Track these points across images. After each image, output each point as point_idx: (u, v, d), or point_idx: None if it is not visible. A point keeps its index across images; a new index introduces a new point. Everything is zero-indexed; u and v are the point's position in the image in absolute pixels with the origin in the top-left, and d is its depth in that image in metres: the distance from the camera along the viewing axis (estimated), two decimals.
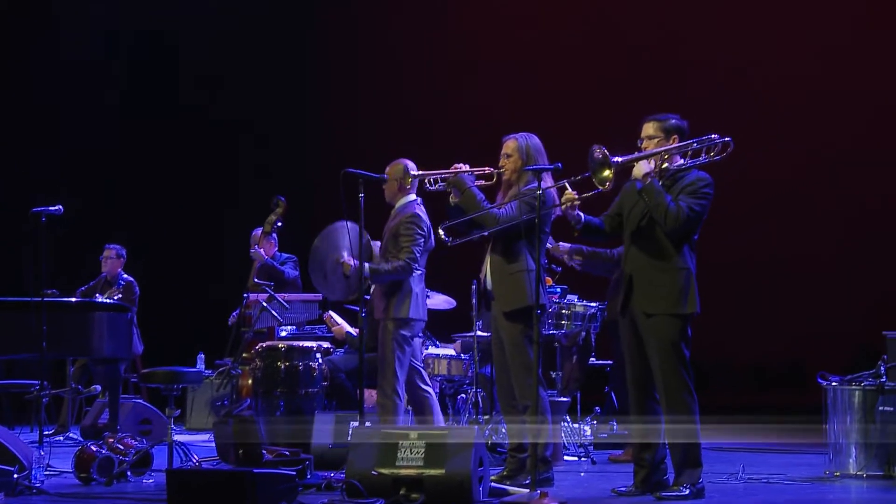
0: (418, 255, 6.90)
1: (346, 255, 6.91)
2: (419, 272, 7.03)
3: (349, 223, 6.86)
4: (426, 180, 6.83)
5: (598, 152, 5.63)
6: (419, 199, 6.93)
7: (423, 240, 6.89)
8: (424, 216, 6.93)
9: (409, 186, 6.94)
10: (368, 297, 7.80)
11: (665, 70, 10.93)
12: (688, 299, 5.79)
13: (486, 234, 6.41)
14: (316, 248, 7.08)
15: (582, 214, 5.96)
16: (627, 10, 11.37)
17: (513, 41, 11.83)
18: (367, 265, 6.83)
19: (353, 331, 8.23)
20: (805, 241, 10.50)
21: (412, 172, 6.73)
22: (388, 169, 6.93)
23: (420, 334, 7.12)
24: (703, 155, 5.89)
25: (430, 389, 7.20)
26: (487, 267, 6.52)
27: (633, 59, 11.24)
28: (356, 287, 6.88)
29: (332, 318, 8.52)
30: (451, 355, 8.60)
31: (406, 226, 6.90)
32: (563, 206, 5.89)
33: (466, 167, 6.53)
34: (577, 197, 5.85)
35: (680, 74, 10.86)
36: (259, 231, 9.10)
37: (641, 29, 11.29)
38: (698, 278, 5.88)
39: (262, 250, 9.08)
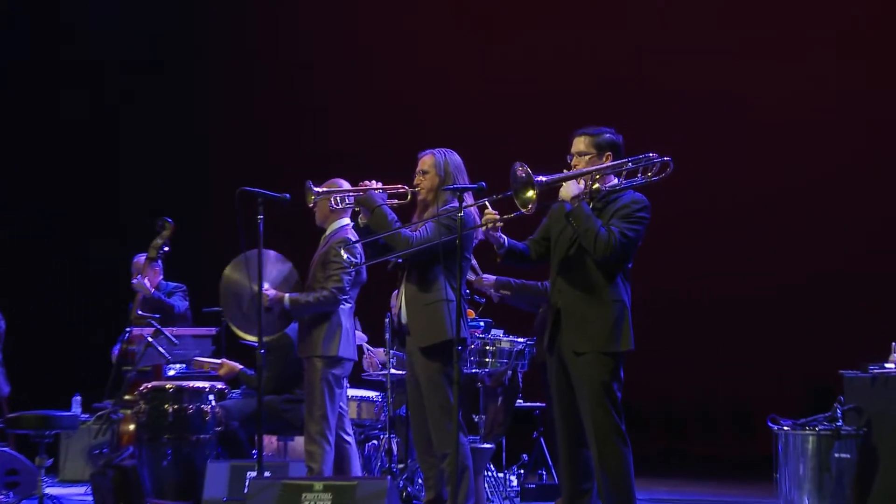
0: (347, 286, 7.03)
1: (266, 287, 6.94)
2: (349, 306, 7.15)
3: (271, 252, 6.97)
4: (332, 199, 6.91)
5: (521, 170, 5.63)
6: (353, 224, 6.95)
7: (353, 269, 6.98)
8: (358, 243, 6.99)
9: (341, 208, 7.02)
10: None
11: (609, 85, 11.04)
12: (621, 336, 5.80)
13: (396, 258, 6.47)
14: (228, 279, 7.10)
15: (505, 238, 5.98)
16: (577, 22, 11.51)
17: (436, 48, 11.96)
18: (287, 296, 6.98)
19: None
20: (750, 274, 10.63)
21: (314, 189, 6.76)
22: (322, 188, 6.96)
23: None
24: (639, 175, 5.92)
25: (351, 439, 7.30)
26: (402, 297, 6.54)
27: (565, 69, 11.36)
28: (284, 320, 6.98)
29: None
30: (360, 396, 8.59)
31: (335, 251, 7.00)
32: (484, 228, 5.90)
33: (377, 184, 6.58)
34: (498, 218, 5.86)
35: (625, 88, 10.98)
36: (142, 258, 9.05)
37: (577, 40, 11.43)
38: (633, 312, 5.88)
39: (146, 280, 9.01)
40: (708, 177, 10.30)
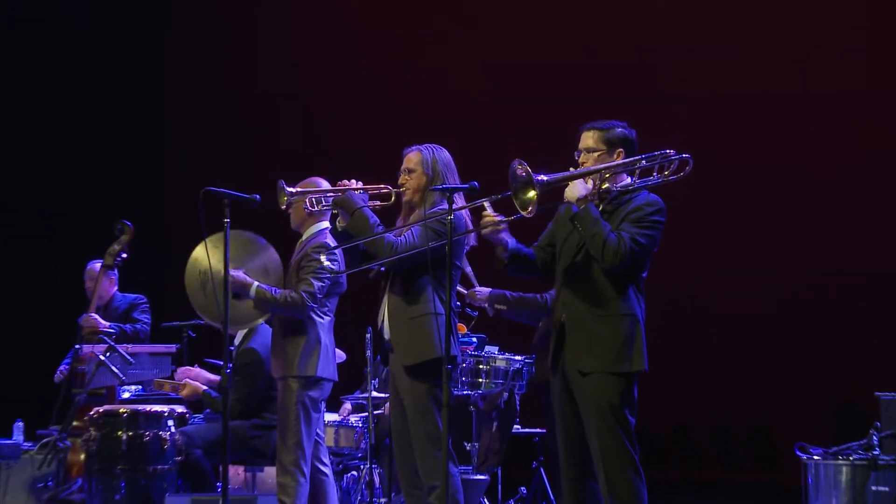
0: (319, 291, 7.06)
1: (239, 270, 7.01)
2: (328, 319, 7.19)
3: (262, 239, 7.10)
4: (307, 200, 6.90)
5: (520, 169, 5.61)
6: (331, 228, 6.94)
7: (327, 275, 7.04)
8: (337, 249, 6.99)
9: (319, 210, 7.02)
10: (235, 347, 7.94)
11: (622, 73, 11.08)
12: (633, 354, 5.76)
13: (379, 266, 6.44)
14: (198, 257, 7.08)
15: (510, 240, 5.97)
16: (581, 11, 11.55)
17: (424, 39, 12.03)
18: (255, 285, 7.02)
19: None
20: (769, 285, 10.56)
21: (287, 190, 6.75)
22: (296, 189, 6.98)
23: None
24: (655, 174, 5.90)
25: (328, 470, 7.31)
26: (385, 310, 6.50)
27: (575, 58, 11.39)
28: (256, 312, 7.07)
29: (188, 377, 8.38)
30: (338, 422, 8.60)
31: (312, 258, 7.06)
32: (484, 231, 5.90)
33: (357, 184, 6.56)
34: (498, 220, 5.86)
35: (637, 77, 10.97)
36: (97, 265, 9.04)
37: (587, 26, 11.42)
38: (647, 327, 5.84)
39: (96, 316, 8.83)
40: (721, 179, 10.20)
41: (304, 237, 7.35)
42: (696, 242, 10.21)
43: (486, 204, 5.93)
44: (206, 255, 6.85)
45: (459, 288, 7.51)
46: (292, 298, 6.99)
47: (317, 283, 7.05)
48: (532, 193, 5.60)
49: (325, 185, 7.07)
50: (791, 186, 10.55)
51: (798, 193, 10.52)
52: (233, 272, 6.88)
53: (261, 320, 7.55)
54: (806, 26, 10.65)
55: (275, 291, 7.03)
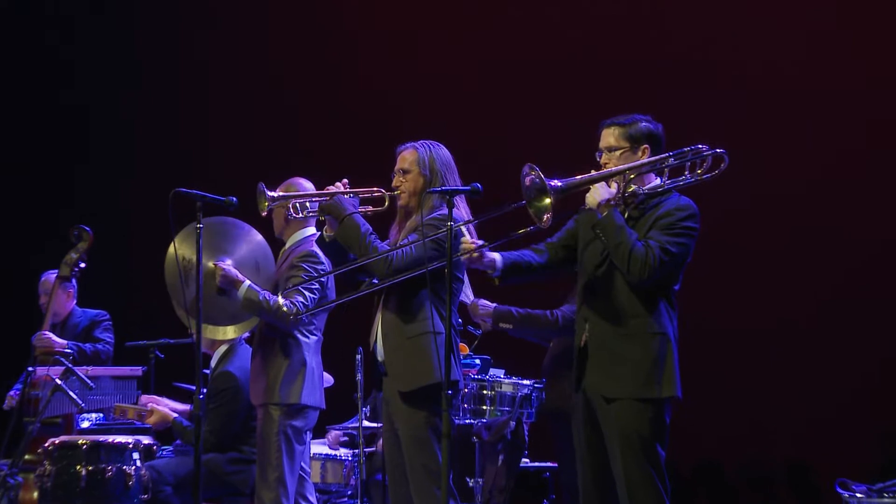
0: (311, 302, 7.05)
1: (227, 261, 7.08)
2: (314, 338, 7.21)
3: (256, 234, 7.21)
4: (289, 205, 6.91)
5: (532, 174, 5.64)
6: (318, 236, 6.96)
7: (318, 287, 7.08)
8: (324, 257, 7.08)
9: (303, 216, 7.03)
10: (210, 370, 7.97)
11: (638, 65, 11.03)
12: (663, 377, 5.75)
13: (369, 279, 6.47)
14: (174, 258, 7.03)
15: (496, 256, 6.00)
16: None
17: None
18: (247, 284, 7.03)
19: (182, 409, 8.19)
20: (810, 300, 10.49)
21: (268, 194, 6.74)
22: (277, 192, 6.97)
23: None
24: (686, 173, 5.90)
25: None
26: (378, 328, 6.49)
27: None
28: (240, 313, 7.08)
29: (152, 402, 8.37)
30: (325, 454, 8.62)
31: (298, 266, 7.12)
32: (464, 257, 5.96)
33: (347, 187, 6.58)
34: (476, 247, 5.90)
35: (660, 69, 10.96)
36: (52, 276, 9.01)
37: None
38: (680, 348, 5.84)
39: (49, 335, 8.82)
40: (756, 177, 10.13)
41: (287, 245, 7.36)
42: (722, 249, 10.14)
43: (463, 229, 6.04)
44: (181, 253, 6.90)
45: (462, 298, 7.53)
46: (286, 309, 6.96)
47: (308, 294, 7.05)
48: (547, 201, 5.62)
49: (309, 187, 7.11)
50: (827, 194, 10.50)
51: (834, 200, 10.45)
52: (223, 265, 6.99)
53: (244, 331, 7.55)
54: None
55: (267, 296, 7.01)
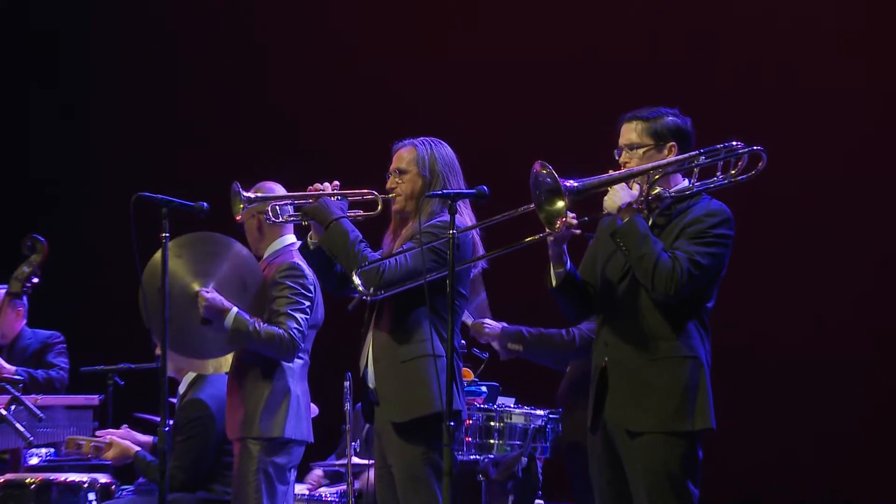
0: (305, 325, 7.07)
1: (210, 286, 7.00)
2: (300, 363, 7.20)
3: (241, 247, 7.12)
4: (268, 209, 6.85)
5: (543, 173, 5.63)
6: (299, 244, 6.95)
7: (308, 304, 7.08)
8: (307, 268, 7.05)
9: (282, 222, 7.01)
10: (178, 398, 7.96)
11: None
12: (695, 408, 5.74)
13: (362, 295, 6.40)
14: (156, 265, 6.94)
15: (567, 257, 5.91)
16: None
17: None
18: (234, 311, 6.95)
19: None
20: (842, 319, 10.60)
21: (244, 195, 6.71)
22: (254, 194, 6.96)
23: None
24: (718, 174, 5.89)
25: None
26: (369, 351, 6.50)
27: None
28: (227, 344, 7.01)
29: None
30: (305, 495, 8.64)
31: (280, 283, 7.11)
32: (554, 234, 5.76)
33: (335, 188, 6.54)
34: (576, 223, 5.76)
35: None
36: (0, 291, 9.06)
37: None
38: (713, 372, 5.84)
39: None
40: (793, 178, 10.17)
41: (263, 257, 7.33)
42: (758, 260, 10.14)
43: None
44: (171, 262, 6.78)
45: (465, 319, 7.50)
46: (280, 337, 6.95)
47: (300, 317, 7.05)
48: (560, 204, 5.61)
49: (283, 192, 7.09)
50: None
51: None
52: (206, 293, 6.93)
53: (224, 367, 7.53)
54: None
55: (258, 325, 6.98)
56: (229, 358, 7.39)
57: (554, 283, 5.93)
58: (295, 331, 6.97)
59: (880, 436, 10.33)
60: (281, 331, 6.95)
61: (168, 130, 12.31)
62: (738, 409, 9.60)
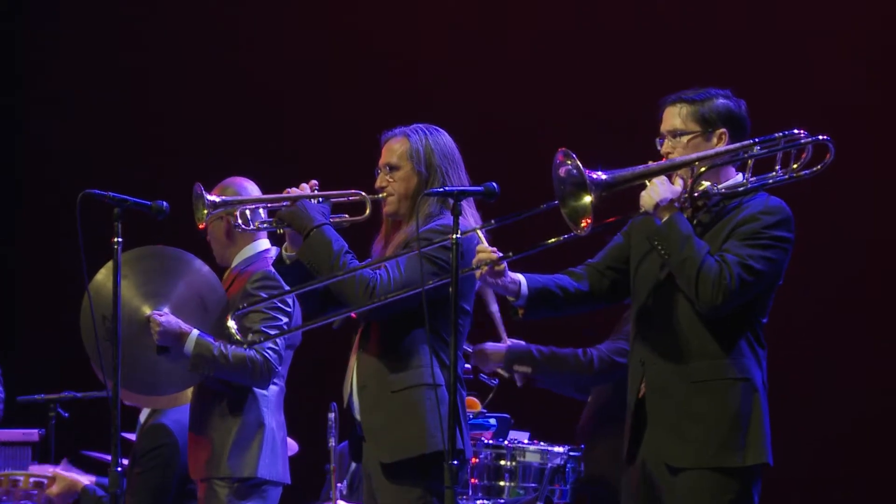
0: (281, 347, 7.04)
1: (164, 310, 6.96)
2: (275, 389, 7.20)
3: (197, 262, 7.13)
4: (236, 213, 6.76)
5: (569, 164, 5.59)
6: (275, 251, 6.93)
7: (285, 321, 7.05)
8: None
9: (254, 228, 6.90)
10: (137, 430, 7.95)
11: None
12: (747, 439, 5.67)
13: (346, 313, 6.40)
14: (103, 287, 6.88)
15: (521, 279, 5.91)
16: None
17: None
18: (195, 334, 6.91)
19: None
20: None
21: (207, 198, 6.57)
22: (219, 197, 6.90)
23: None
24: (777, 168, 5.85)
25: None
26: (354, 378, 6.46)
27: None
28: (193, 373, 6.96)
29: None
30: None
31: (253, 296, 7.06)
32: (478, 274, 5.85)
33: (311, 189, 6.47)
34: (498, 258, 5.79)
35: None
36: None
37: None
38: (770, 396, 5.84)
39: None
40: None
41: (232, 266, 7.28)
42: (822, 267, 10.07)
43: (480, 234, 5.95)
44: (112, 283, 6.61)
45: (466, 347, 7.41)
46: (252, 361, 6.87)
47: (280, 339, 7.03)
48: (587, 199, 5.56)
49: (254, 191, 7.11)
50: None
51: None
52: (159, 316, 6.86)
53: (182, 400, 7.53)
54: None
55: (224, 347, 6.92)
56: (188, 391, 7.36)
57: (520, 314, 5.94)
58: (269, 352, 6.91)
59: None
60: (252, 352, 6.89)
61: (119, 122, 12.24)
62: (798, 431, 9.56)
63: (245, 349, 6.91)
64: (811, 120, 5.80)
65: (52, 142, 12.50)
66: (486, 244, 5.85)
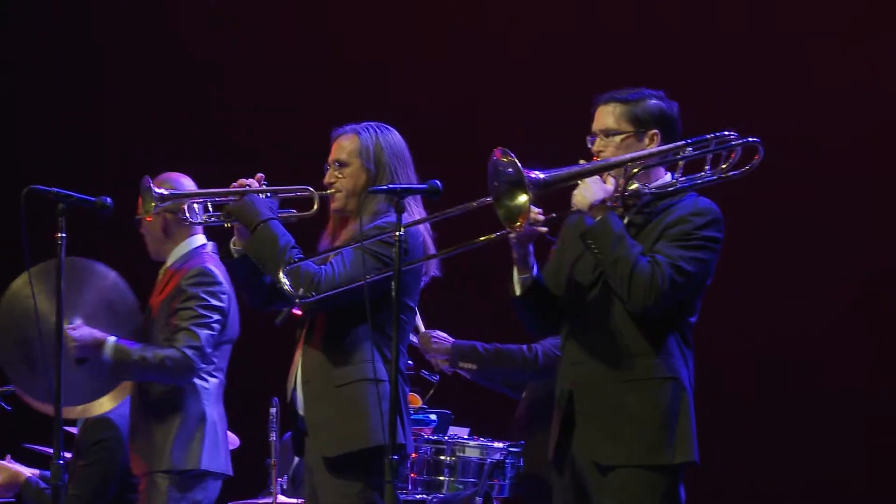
0: (207, 343, 7.11)
1: (76, 322, 6.99)
2: (215, 381, 7.24)
3: (108, 271, 7.18)
4: (184, 207, 6.86)
5: (505, 162, 5.63)
6: (212, 246, 7.17)
7: (218, 318, 7.11)
8: (221, 275, 7.14)
9: (185, 220, 6.98)
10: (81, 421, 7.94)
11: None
12: (676, 437, 5.75)
13: (290, 308, 6.51)
14: (16, 297, 7.11)
15: (533, 260, 5.93)
16: None
17: None
18: (111, 340, 6.98)
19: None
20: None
21: (156, 192, 6.68)
22: (166, 190, 6.96)
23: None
24: (707, 168, 5.90)
25: None
26: (298, 373, 6.55)
27: None
28: (110, 380, 7.06)
29: None
30: None
31: (185, 292, 7.14)
32: (515, 233, 5.73)
33: (259, 183, 6.57)
34: (543, 219, 5.77)
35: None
36: None
37: None
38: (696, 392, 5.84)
39: None
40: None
41: (168, 264, 7.34)
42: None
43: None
44: (30, 295, 6.75)
45: (411, 338, 7.49)
46: (172, 359, 6.98)
47: (203, 333, 7.06)
48: (523, 199, 5.59)
49: (190, 187, 7.15)
50: None
51: None
52: (71, 330, 6.93)
53: (117, 401, 7.51)
54: None
55: (143, 349, 7.00)
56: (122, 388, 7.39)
57: (518, 290, 5.92)
58: (190, 351, 7.00)
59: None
60: (172, 351, 6.99)
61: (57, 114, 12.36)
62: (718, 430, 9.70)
63: (164, 349, 6.97)
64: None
65: None
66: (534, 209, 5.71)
